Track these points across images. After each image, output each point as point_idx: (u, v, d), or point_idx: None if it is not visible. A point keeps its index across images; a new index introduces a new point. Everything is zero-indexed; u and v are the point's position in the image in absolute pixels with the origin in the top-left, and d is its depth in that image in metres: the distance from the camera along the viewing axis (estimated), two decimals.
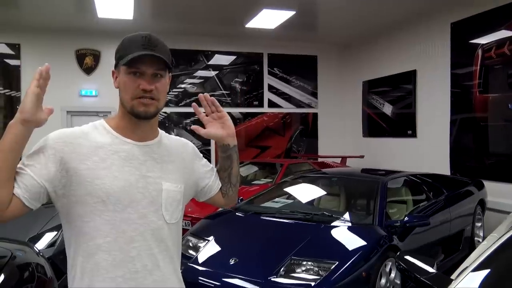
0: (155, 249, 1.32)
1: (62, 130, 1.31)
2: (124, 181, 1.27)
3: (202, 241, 3.60)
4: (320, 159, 8.59)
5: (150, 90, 1.29)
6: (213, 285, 3.08)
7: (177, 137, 1.53)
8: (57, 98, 7.69)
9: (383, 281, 3.26)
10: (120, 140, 1.32)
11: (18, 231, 3.28)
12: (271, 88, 9.21)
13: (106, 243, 1.25)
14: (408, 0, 6.46)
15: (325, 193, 4.71)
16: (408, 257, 2.04)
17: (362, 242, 3.34)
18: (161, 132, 1.46)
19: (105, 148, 1.29)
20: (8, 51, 7.61)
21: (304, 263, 3.07)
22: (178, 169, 1.42)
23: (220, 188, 1.56)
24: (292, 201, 4.44)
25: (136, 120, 1.32)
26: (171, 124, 8.50)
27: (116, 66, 1.34)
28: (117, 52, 1.34)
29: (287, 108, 9.34)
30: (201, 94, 1.44)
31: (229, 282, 3.03)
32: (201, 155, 1.56)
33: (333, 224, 3.66)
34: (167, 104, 8.39)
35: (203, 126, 1.46)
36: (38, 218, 3.60)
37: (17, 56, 7.64)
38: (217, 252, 3.44)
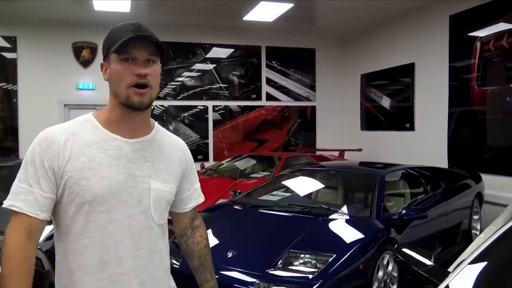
0: (143, 250, 1.28)
1: (48, 134, 1.25)
2: (111, 181, 1.23)
3: None
4: (318, 152, 8.58)
5: (145, 75, 1.23)
6: None
7: (174, 136, 1.47)
8: (54, 91, 7.70)
9: (380, 273, 3.27)
10: (109, 136, 1.28)
11: None
12: (269, 81, 9.18)
13: (92, 244, 1.23)
14: None
15: (323, 186, 4.71)
16: (405, 250, 2.04)
17: (360, 235, 3.34)
18: (157, 126, 1.40)
19: (93, 146, 1.25)
20: (4, 44, 7.55)
21: (302, 256, 3.08)
22: (170, 169, 1.37)
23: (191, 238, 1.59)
24: (290, 194, 4.44)
25: (128, 112, 1.28)
26: (169, 117, 8.46)
27: (105, 57, 1.30)
28: (105, 42, 1.29)
29: (285, 101, 9.32)
30: None
31: (227, 275, 3.03)
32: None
33: (331, 217, 3.66)
34: (165, 98, 8.36)
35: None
36: None
37: (13, 49, 7.57)
38: (215, 245, 3.43)
